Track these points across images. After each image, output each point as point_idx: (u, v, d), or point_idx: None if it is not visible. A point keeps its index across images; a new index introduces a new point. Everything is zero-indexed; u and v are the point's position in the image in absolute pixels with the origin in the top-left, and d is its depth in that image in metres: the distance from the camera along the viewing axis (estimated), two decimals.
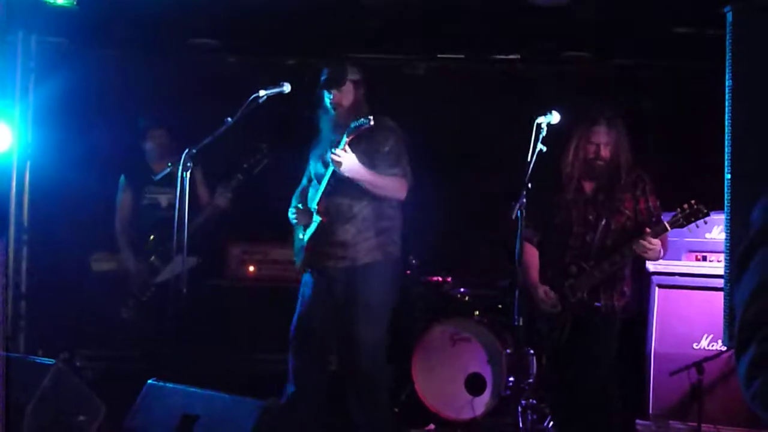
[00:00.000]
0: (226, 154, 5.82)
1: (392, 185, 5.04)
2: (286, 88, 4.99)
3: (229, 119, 5.12)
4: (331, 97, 5.08)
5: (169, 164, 5.74)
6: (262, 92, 4.93)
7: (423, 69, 7.17)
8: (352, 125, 4.83)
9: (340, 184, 5.01)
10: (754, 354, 1.60)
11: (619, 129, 4.74)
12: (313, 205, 5.12)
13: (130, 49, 6.97)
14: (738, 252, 1.72)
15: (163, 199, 6.17)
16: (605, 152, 4.69)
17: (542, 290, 4.84)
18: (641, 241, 4.59)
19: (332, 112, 5.11)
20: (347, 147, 4.82)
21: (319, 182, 5.13)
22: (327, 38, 6.64)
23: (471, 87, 7.05)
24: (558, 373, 4.97)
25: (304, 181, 5.41)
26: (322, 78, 5.11)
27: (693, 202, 4.58)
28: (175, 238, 5.06)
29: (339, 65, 5.14)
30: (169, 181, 6.02)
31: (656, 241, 4.63)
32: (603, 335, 4.79)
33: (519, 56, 6.93)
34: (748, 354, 1.61)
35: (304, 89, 5.23)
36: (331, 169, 4.97)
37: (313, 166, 5.30)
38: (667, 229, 4.64)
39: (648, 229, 4.62)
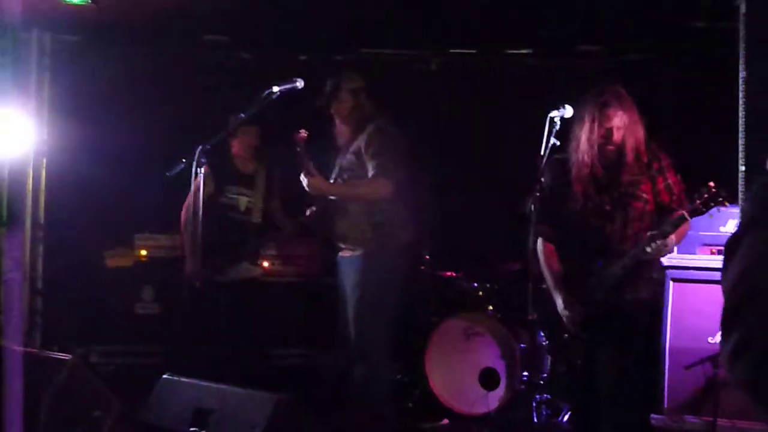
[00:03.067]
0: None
1: (369, 190, 5.22)
2: (299, 83, 5.01)
3: (242, 115, 5.15)
4: (333, 109, 5.34)
5: (183, 160, 5.75)
6: (275, 88, 4.96)
7: (435, 64, 7.17)
8: (351, 149, 5.24)
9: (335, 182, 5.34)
10: (736, 339, 1.61)
11: (631, 111, 4.43)
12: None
13: (144, 46, 7.00)
14: (726, 242, 1.73)
15: (242, 202, 6.13)
16: (618, 136, 4.38)
17: (563, 299, 4.49)
18: (647, 247, 4.28)
19: (338, 122, 5.38)
20: (311, 169, 5.18)
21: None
22: (339, 34, 6.65)
23: (483, 82, 7.04)
24: (584, 372, 4.60)
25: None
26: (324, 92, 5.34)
27: (711, 185, 4.25)
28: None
29: (335, 77, 5.33)
30: (251, 182, 6.06)
31: (669, 240, 4.31)
32: (630, 331, 4.50)
33: (531, 50, 6.92)
34: (731, 340, 1.62)
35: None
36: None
37: None
38: (685, 219, 4.30)
39: (649, 234, 4.30)
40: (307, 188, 5.21)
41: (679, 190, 4.47)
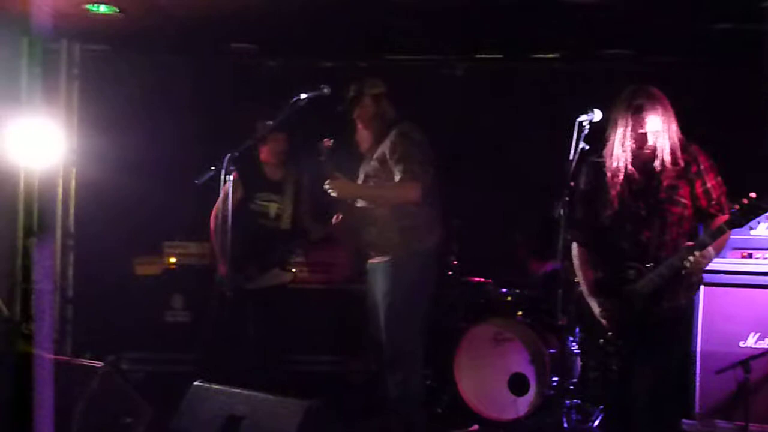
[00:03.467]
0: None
1: (396, 193, 5.20)
2: (326, 90, 5.03)
3: (271, 122, 5.17)
4: (355, 115, 5.35)
5: (212, 168, 5.77)
6: (302, 95, 4.98)
7: (461, 70, 7.16)
8: (376, 155, 5.24)
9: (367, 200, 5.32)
10: None
11: (666, 112, 4.27)
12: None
13: (172, 55, 7.04)
14: None
15: (272, 208, 6.16)
16: (652, 140, 4.23)
17: (598, 305, 4.40)
18: (685, 261, 4.15)
19: (361, 128, 5.38)
20: (334, 174, 5.18)
21: None
22: (364, 40, 6.66)
23: (509, 87, 7.03)
24: (620, 378, 4.45)
25: None
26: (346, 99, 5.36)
27: (752, 196, 4.07)
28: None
29: (358, 83, 5.33)
30: (280, 188, 6.09)
31: (707, 252, 4.18)
32: (668, 337, 4.36)
33: (557, 55, 6.90)
34: None
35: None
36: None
37: None
38: (724, 231, 4.15)
39: (686, 246, 4.19)
40: (334, 193, 5.21)
41: (718, 194, 4.31)
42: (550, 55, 6.90)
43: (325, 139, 5.20)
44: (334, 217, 5.50)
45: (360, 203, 5.32)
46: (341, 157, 5.34)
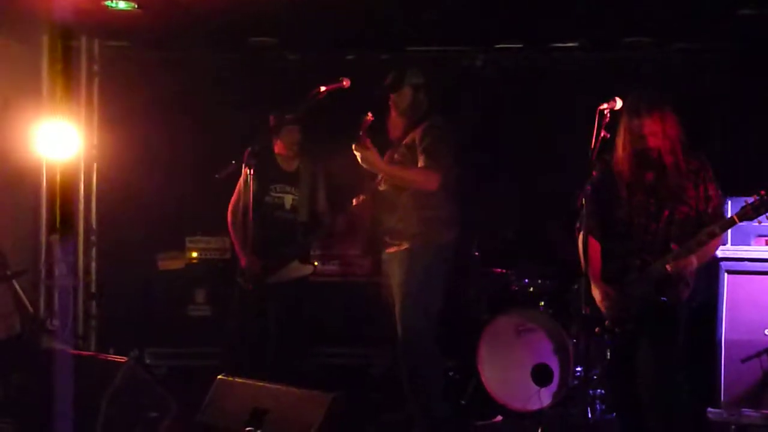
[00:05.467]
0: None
1: (416, 177, 5.21)
2: (346, 82, 5.03)
3: (290, 115, 5.18)
4: (391, 100, 5.37)
5: (233, 162, 5.78)
6: (322, 87, 4.98)
7: (481, 60, 7.14)
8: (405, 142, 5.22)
9: (386, 177, 5.31)
10: None
11: (664, 116, 4.44)
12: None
13: (191, 50, 7.05)
14: None
15: (288, 200, 6.15)
16: (654, 142, 4.41)
17: (602, 292, 4.56)
18: (667, 265, 4.34)
19: (394, 115, 5.38)
20: (367, 143, 5.11)
21: None
22: (384, 32, 6.64)
23: (530, 76, 7.00)
24: (621, 367, 4.66)
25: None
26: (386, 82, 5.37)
27: (763, 192, 4.24)
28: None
29: (400, 69, 5.35)
30: (295, 180, 6.10)
31: (690, 260, 4.35)
32: (669, 330, 4.50)
33: (578, 44, 6.86)
34: None
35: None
36: None
37: None
38: (734, 222, 4.31)
39: (674, 251, 4.34)
40: (360, 161, 5.16)
41: (715, 204, 4.46)
42: (571, 44, 6.85)
43: (369, 114, 5.13)
44: (355, 198, 5.49)
45: (383, 187, 5.32)
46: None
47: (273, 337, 6.03)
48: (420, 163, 5.18)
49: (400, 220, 5.25)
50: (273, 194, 6.12)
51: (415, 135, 5.23)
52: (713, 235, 4.33)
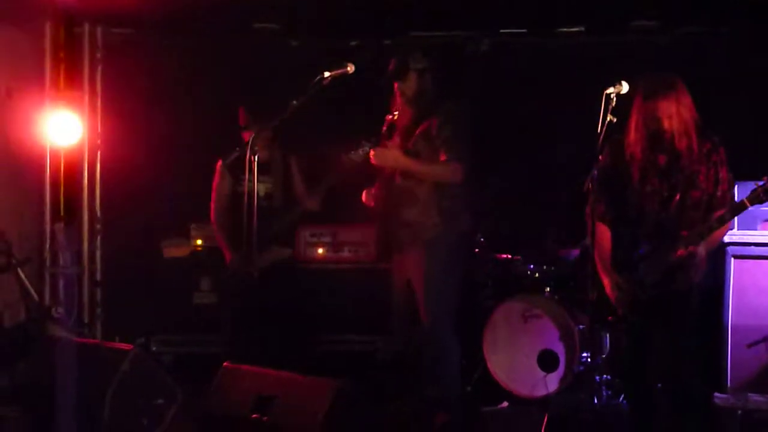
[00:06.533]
0: (323, 145, 5.83)
1: (442, 172, 5.15)
2: (350, 68, 5.00)
3: (294, 102, 5.14)
4: (396, 88, 5.26)
5: (237, 148, 5.79)
6: (326, 73, 4.94)
7: (485, 45, 7.10)
8: (418, 132, 5.13)
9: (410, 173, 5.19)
10: None
11: (680, 97, 4.36)
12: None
13: (194, 37, 7.02)
14: None
15: (261, 188, 6.14)
16: (668, 124, 4.33)
17: (612, 281, 4.49)
18: (674, 254, 4.29)
19: (400, 103, 5.28)
20: (388, 143, 5.11)
21: None
22: (388, 17, 6.61)
23: (535, 61, 6.97)
24: (633, 354, 4.59)
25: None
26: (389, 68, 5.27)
27: (766, 179, 4.19)
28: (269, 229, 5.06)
29: (402, 56, 5.26)
30: (266, 168, 6.09)
31: (698, 250, 4.29)
32: (681, 316, 4.44)
33: (584, 28, 6.83)
34: None
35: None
36: None
37: None
38: (745, 206, 4.22)
39: (684, 232, 4.29)
40: (374, 159, 5.12)
41: (724, 188, 4.39)
42: (576, 29, 6.81)
43: (392, 114, 5.16)
44: (365, 191, 5.44)
45: (401, 180, 5.24)
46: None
47: (270, 324, 6.00)
48: (442, 156, 5.11)
49: (420, 212, 5.19)
50: (245, 183, 6.17)
51: (430, 124, 5.14)
52: (723, 221, 4.27)
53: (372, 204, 5.40)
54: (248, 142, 4.97)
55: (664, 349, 4.43)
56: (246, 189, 5.91)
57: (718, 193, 4.37)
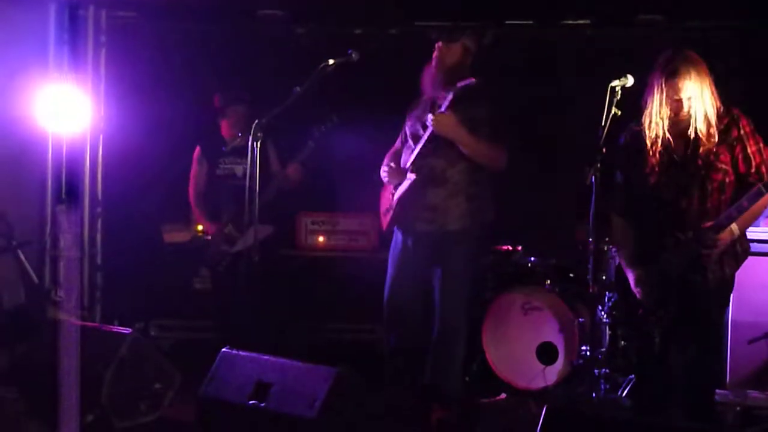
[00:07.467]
0: (297, 126, 5.84)
1: (492, 153, 5.08)
2: (354, 56, 4.99)
3: (298, 89, 5.14)
4: (438, 51, 5.16)
5: (239, 134, 5.81)
6: (330, 61, 4.94)
7: (490, 36, 7.07)
8: (459, 85, 4.95)
9: (437, 146, 5.07)
10: None
11: (702, 76, 4.16)
12: (408, 164, 5.18)
13: (199, 22, 7.00)
14: None
15: (239, 170, 6.20)
16: (688, 106, 4.13)
17: (636, 275, 4.34)
18: (703, 245, 4.12)
19: (435, 68, 5.18)
20: (449, 109, 4.93)
21: (415, 143, 5.18)
22: (393, 7, 6.59)
23: (540, 53, 6.94)
24: (659, 348, 4.37)
25: (398, 141, 5.47)
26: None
27: None
28: (246, 209, 5.06)
29: (461, 26, 5.34)
30: (243, 152, 6.08)
31: (723, 235, 4.11)
32: (710, 307, 4.30)
33: (589, 21, 6.80)
34: None
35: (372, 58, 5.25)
36: (429, 129, 5.04)
37: (410, 126, 5.34)
38: (762, 193, 4.02)
39: (708, 224, 4.12)
40: (436, 126, 4.98)
41: (759, 161, 4.19)
42: (582, 21, 6.79)
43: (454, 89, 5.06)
44: (382, 169, 5.36)
45: (434, 161, 5.11)
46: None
47: (262, 306, 5.99)
48: (487, 137, 5.02)
49: (449, 196, 5.09)
50: (223, 167, 6.30)
51: (452, 95, 4.98)
52: (742, 210, 4.09)
53: (390, 181, 5.29)
54: (253, 129, 4.99)
55: (689, 344, 4.30)
56: (226, 173, 6.10)
57: (752, 169, 4.18)
